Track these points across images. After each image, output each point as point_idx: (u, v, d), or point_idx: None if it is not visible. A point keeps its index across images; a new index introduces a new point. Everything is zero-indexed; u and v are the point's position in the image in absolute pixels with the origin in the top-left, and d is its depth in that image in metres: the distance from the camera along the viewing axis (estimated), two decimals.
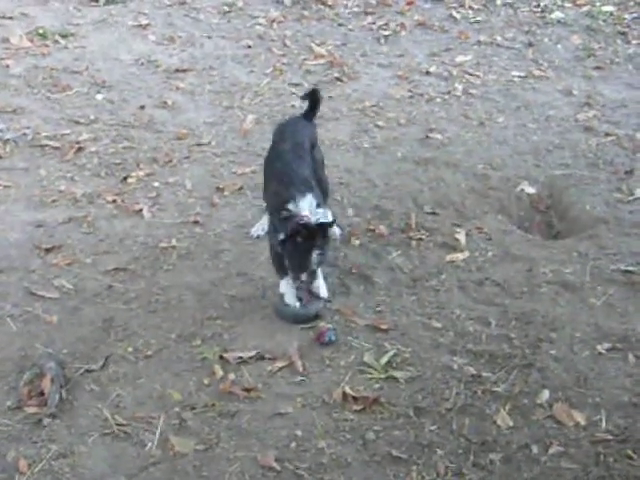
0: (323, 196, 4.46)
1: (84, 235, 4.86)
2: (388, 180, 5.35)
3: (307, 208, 4.11)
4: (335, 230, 4.62)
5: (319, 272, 4.27)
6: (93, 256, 4.68)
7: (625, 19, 7.68)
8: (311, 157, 4.52)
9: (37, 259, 4.64)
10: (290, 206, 4.11)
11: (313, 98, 4.73)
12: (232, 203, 5.16)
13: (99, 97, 6.35)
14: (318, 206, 4.18)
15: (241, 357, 3.95)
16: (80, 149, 5.67)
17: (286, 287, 4.26)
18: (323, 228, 4.08)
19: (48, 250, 4.71)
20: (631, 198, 5.18)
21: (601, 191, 5.28)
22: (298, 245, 4.04)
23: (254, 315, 4.24)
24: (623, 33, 7.45)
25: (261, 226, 4.80)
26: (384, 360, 3.90)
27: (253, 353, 3.97)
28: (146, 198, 5.19)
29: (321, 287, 4.30)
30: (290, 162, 4.37)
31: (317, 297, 4.25)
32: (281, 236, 4.07)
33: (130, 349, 4.01)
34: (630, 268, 4.52)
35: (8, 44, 7.12)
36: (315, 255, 4.06)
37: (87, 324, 4.17)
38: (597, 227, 4.94)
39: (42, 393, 3.68)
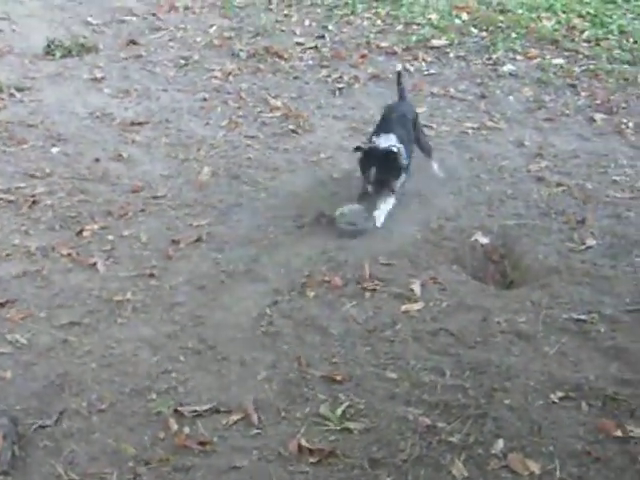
0: (426, 153, 6.01)
1: (38, 289, 4.84)
2: None
3: (383, 141, 5.46)
4: (402, 161, 5.49)
5: (383, 202, 5.49)
6: (47, 310, 4.66)
7: (574, 72, 7.80)
8: (412, 124, 5.85)
9: None
10: (374, 138, 5.58)
11: (399, 81, 6.16)
12: (188, 255, 5.16)
13: (54, 150, 6.35)
14: (398, 142, 5.47)
15: (196, 410, 3.93)
16: (35, 202, 5.65)
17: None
18: (385, 153, 5.39)
19: (2, 304, 4.68)
20: (583, 247, 5.24)
21: (553, 240, 5.33)
22: (363, 162, 5.49)
23: (209, 368, 4.23)
24: (573, 85, 7.56)
25: None
26: (339, 411, 3.90)
27: (208, 406, 3.96)
28: (101, 251, 5.18)
29: (378, 216, 5.45)
30: (393, 122, 5.67)
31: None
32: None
33: (84, 404, 3.98)
34: (582, 317, 4.56)
35: None
36: (373, 172, 5.39)
37: (41, 379, 4.13)
38: (550, 276, 4.99)
39: None
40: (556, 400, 3.99)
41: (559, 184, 5.97)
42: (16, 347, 4.36)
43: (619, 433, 3.79)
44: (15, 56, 8.04)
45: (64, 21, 8.89)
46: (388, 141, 5.48)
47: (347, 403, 3.96)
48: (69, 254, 5.12)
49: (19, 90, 7.30)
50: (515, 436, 3.77)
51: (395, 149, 5.43)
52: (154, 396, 4.03)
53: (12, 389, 4.07)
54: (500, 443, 3.73)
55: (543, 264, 5.12)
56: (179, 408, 3.93)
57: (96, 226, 5.43)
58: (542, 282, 4.95)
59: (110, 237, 5.33)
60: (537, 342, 4.40)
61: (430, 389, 4.07)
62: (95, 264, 5.05)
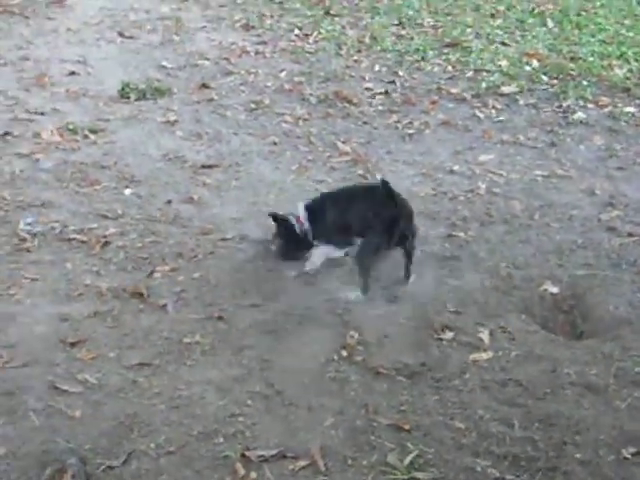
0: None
1: (109, 329, 4.88)
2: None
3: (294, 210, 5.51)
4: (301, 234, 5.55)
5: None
6: (117, 350, 4.70)
7: None
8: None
9: (61, 353, 4.65)
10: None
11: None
12: (255, 299, 5.18)
13: (127, 192, 6.44)
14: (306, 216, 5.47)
15: (263, 455, 3.93)
16: (107, 243, 5.72)
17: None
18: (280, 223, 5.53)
19: (73, 344, 4.72)
20: None
21: (625, 292, 5.27)
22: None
23: (276, 412, 4.23)
24: None
25: None
26: (407, 461, 3.88)
27: (275, 451, 3.95)
28: (171, 293, 5.23)
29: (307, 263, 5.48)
30: (333, 197, 5.64)
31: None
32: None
33: (152, 445, 3.99)
34: None
35: (39, 139, 7.25)
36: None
37: (110, 419, 4.16)
38: (621, 328, 4.93)
39: None
40: (628, 456, 3.92)
41: (630, 234, 5.91)
42: (86, 387, 4.40)
43: None
44: (90, 98, 8.18)
45: (139, 65, 9.05)
46: (296, 210, 5.53)
47: (415, 452, 3.94)
48: (140, 295, 5.18)
49: (93, 132, 7.42)
50: None
51: (291, 219, 5.52)
52: (221, 440, 4.04)
53: (81, 428, 4.10)
54: None
55: (614, 315, 5.06)
56: (246, 452, 3.93)
57: (167, 267, 5.48)
58: (613, 334, 4.89)
59: (180, 278, 5.38)
60: (608, 395, 4.34)
61: (498, 440, 4.03)
62: (165, 306, 5.10)
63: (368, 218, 5.23)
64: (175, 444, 4.01)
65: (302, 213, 5.50)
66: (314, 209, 5.53)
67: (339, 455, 3.95)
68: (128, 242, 5.77)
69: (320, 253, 5.49)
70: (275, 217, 5.59)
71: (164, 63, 9.11)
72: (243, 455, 3.93)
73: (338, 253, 5.51)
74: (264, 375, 4.51)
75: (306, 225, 5.50)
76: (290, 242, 5.56)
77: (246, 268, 5.52)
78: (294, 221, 5.52)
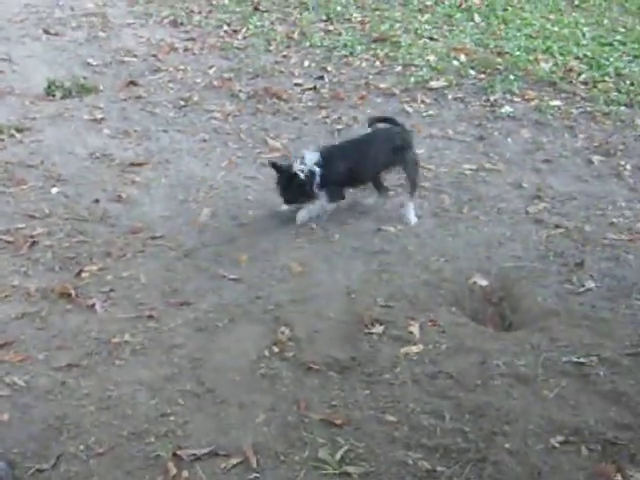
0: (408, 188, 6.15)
1: (37, 330, 4.83)
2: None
3: (302, 161, 5.88)
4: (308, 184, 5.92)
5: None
6: (46, 352, 4.65)
7: (572, 113, 7.85)
8: (392, 151, 6.09)
9: None
10: (303, 153, 6.00)
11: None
12: (186, 297, 5.15)
13: (54, 191, 6.36)
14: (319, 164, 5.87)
15: (195, 454, 3.91)
16: (34, 243, 5.66)
17: None
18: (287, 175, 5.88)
19: (0, 346, 4.66)
20: (581, 290, 5.24)
21: (552, 283, 5.34)
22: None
23: (208, 410, 4.21)
24: (570, 127, 7.60)
25: None
26: (338, 455, 3.89)
27: (207, 450, 3.94)
28: (99, 292, 5.17)
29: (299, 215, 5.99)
30: (347, 143, 6.30)
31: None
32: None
33: (82, 447, 3.96)
34: (581, 360, 4.56)
35: None
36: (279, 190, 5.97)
37: (39, 422, 4.11)
38: (549, 319, 4.99)
39: None
40: (556, 444, 3.97)
41: (557, 226, 5.99)
42: (14, 389, 4.35)
43: (619, 478, 3.78)
44: (15, 97, 8.07)
45: (65, 62, 8.95)
46: (309, 160, 5.88)
47: (346, 447, 3.95)
48: (68, 295, 5.12)
49: (19, 131, 7.32)
50: None
51: (301, 174, 5.85)
52: (152, 439, 4.01)
53: (9, 432, 4.05)
54: None
55: (542, 307, 5.12)
56: (178, 452, 3.92)
57: (95, 267, 5.43)
58: (541, 325, 4.94)
59: (109, 278, 5.33)
60: (537, 385, 4.39)
61: (430, 433, 4.05)
62: (94, 305, 5.04)
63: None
64: (105, 445, 3.98)
65: (312, 157, 5.92)
66: (327, 155, 5.95)
67: (271, 452, 3.94)
68: (56, 242, 5.70)
69: (315, 209, 6.00)
70: (274, 165, 5.98)
71: (90, 60, 9.01)
72: (175, 454, 3.91)
73: (330, 207, 6.07)
74: (195, 373, 4.49)
75: (314, 169, 5.89)
76: (291, 185, 5.91)
77: (176, 266, 5.48)
78: (298, 163, 5.89)
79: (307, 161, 5.88)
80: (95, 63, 8.95)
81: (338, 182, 5.99)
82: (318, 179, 5.89)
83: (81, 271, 5.38)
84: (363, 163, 6.03)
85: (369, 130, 6.30)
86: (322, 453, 3.91)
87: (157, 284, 5.28)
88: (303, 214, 6.01)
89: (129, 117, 7.73)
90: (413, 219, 6.01)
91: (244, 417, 4.17)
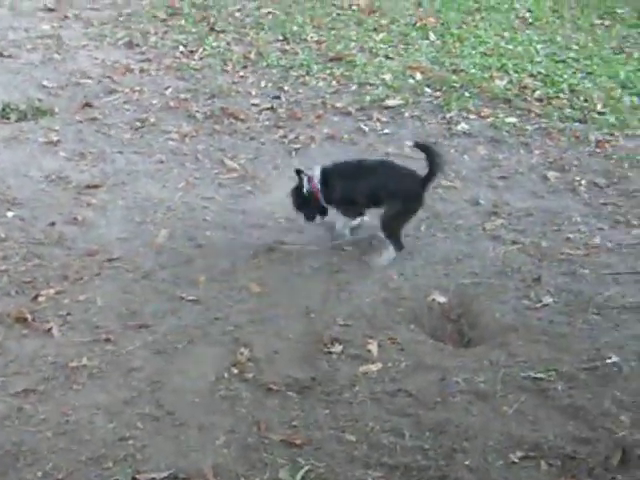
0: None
1: None
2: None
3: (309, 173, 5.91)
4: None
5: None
6: (2, 377, 4.59)
7: (527, 130, 7.92)
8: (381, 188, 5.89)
9: None
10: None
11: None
12: (144, 319, 5.12)
13: (9, 215, 6.30)
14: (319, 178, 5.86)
15: (154, 478, 3.89)
16: None
17: None
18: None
19: None
20: (539, 305, 5.28)
21: (510, 299, 5.37)
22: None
23: (167, 433, 4.19)
24: (526, 144, 7.67)
25: None
26: (299, 476, 3.88)
27: (166, 473, 3.92)
28: (56, 316, 5.13)
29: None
30: (361, 164, 6.09)
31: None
32: None
33: (39, 474, 3.92)
34: (540, 375, 4.59)
35: None
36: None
37: None
38: (507, 335, 5.02)
39: None
40: (516, 460, 3.99)
41: (514, 242, 6.03)
42: None
43: None
44: None
45: (19, 85, 8.86)
46: (313, 172, 5.92)
47: (307, 467, 3.94)
48: (24, 320, 5.06)
49: None
50: None
51: (304, 178, 5.91)
52: (111, 464, 3.97)
53: None
54: None
55: (500, 322, 5.15)
56: (137, 476, 3.89)
57: (51, 291, 5.37)
58: (500, 340, 4.97)
59: (66, 302, 5.29)
60: (496, 401, 4.41)
61: (390, 451, 4.06)
62: (50, 329, 5.00)
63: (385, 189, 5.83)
64: (63, 471, 3.94)
65: (316, 174, 5.91)
66: (328, 173, 5.92)
67: (231, 473, 3.93)
68: (11, 266, 5.64)
69: (341, 224, 6.03)
70: (298, 172, 5.98)
71: (45, 82, 8.92)
72: (134, 479, 3.89)
73: (355, 222, 6.11)
74: (154, 396, 4.46)
75: (318, 187, 5.89)
76: (298, 200, 6.02)
77: (134, 288, 5.45)
78: (306, 180, 5.91)
79: (314, 177, 5.94)
80: (50, 85, 8.87)
81: (340, 200, 5.95)
82: (321, 195, 5.93)
83: (37, 295, 5.32)
84: (356, 188, 5.87)
85: (387, 159, 6.50)
86: (283, 474, 3.91)
87: (114, 307, 5.24)
88: (337, 230, 6.07)
89: (85, 139, 7.68)
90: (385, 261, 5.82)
91: (204, 439, 4.15)
